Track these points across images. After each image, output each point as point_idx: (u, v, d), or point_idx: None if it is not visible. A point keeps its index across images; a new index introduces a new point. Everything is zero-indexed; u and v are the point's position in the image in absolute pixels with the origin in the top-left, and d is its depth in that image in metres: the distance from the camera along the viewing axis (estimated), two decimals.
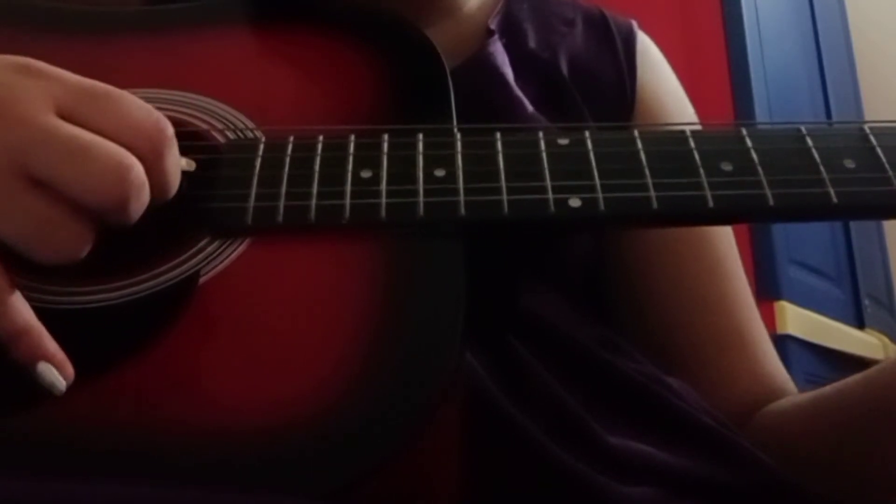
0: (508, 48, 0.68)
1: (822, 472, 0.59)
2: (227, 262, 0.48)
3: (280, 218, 0.49)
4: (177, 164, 0.47)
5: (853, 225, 2.04)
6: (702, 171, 0.49)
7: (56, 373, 0.43)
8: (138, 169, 0.44)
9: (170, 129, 0.46)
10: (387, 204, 0.49)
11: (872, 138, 0.50)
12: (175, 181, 0.47)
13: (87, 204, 0.43)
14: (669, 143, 0.51)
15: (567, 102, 0.68)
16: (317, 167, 0.51)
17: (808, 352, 1.70)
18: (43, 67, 0.46)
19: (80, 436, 0.43)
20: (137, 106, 0.46)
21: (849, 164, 0.49)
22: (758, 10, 1.89)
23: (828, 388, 0.63)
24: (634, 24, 0.76)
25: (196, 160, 0.50)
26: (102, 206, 0.43)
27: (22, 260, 0.44)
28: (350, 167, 0.50)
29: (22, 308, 0.44)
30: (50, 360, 0.43)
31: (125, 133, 0.45)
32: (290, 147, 0.52)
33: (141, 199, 0.44)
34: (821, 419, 0.62)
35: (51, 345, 0.43)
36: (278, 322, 0.47)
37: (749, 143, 0.50)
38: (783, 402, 0.66)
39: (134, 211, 0.44)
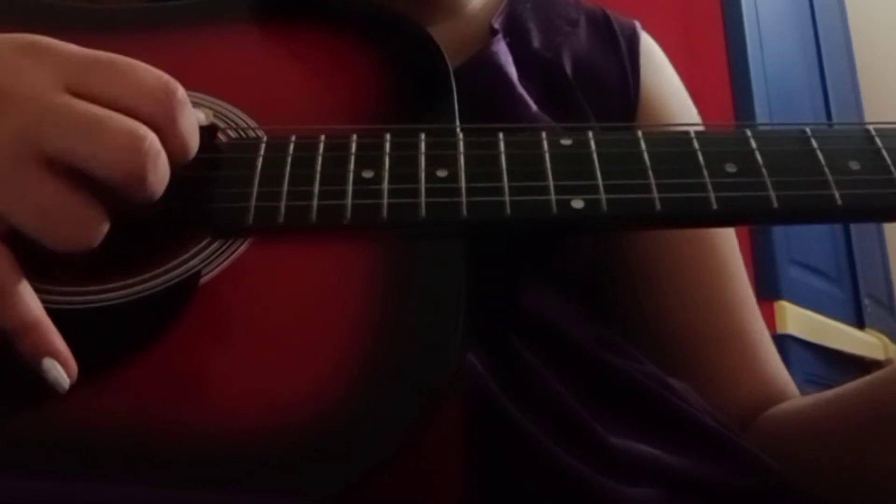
0: (512, 48, 0.68)
1: (825, 477, 0.59)
2: (227, 262, 0.48)
3: (281, 218, 0.49)
4: (192, 123, 0.46)
5: (853, 225, 2.04)
6: (705, 172, 0.49)
7: (61, 369, 0.43)
8: (152, 138, 0.44)
9: (180, 90, 0.46)
10: (388, 204, 0.49)
11: (878, 140, 0.50)
12: (193, 141, 0.47)
13: (103, 178, 0.43)
14: (673, 144, 0.51)
15: (570, 102, 0.68)
16: (318, 167, 0.50)
17: (808, 352, 1.71)
18: (47, 44, 0.46)
19: (80, 436, 0.42)
20: (145, 71, 0.46)
21: (854, 165, 0.49)
22: (758, 10, 1.89)
23: (830, 394, 0.63)
24: (637, 24, 0.76)
25: (197, 160, 0.50)
26: (119, 179, 0.43)
27: (25, 259, 0.44)
28: (352, 167, 0.50)
29: (31, 302, 0.43)
30: (56, 356, 0.43)
31: (136, 100, 0.44)
32: (291, 146, 0.51)
33: (158, 169, 0.44)
34: (823, 425, 0.62)
35: (58, 341, 0.43)
36: (279, 323, 0.46)
37: (753, 144, 0.50)
38: (785, 407, 0.66)
39: (153, 184, 0.44)
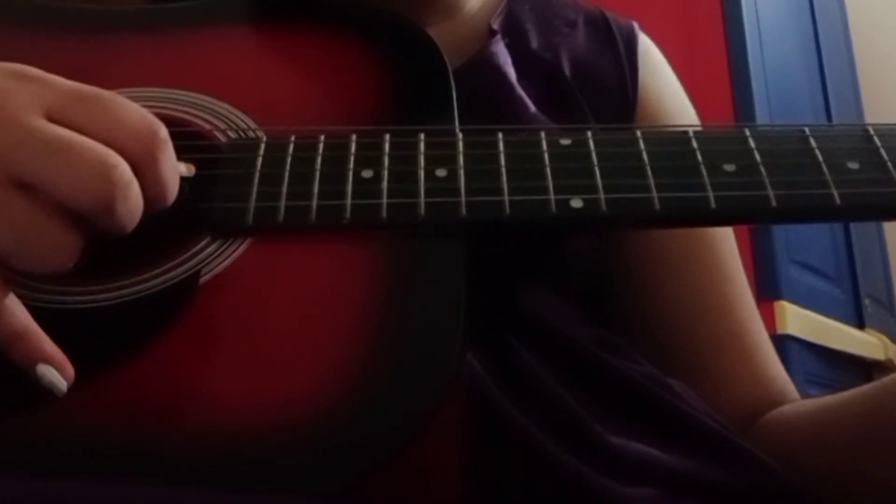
0: (511, 48, 0.68)
1: (828, 483, 0.59)
2: (227, 262, 0.48)
3: (281, 218, 0.49)
4: (173, 167, 0.46)
5: (853, 225, 2.05)
6: (704, 171, 0.49)
7: (56, 374, 0.43)
8: (124, 168, 0.43)
9: (164, 132, 0.45)
10: (388, 204, 0.49)
11: (876, 139, 0.50)
12: (172, 185, 0.46)
13: (71, 205, 0.42)
14: (672, 144, 0.51)
15: (569, 103, 0.68)
16: (318, 167, 0.50)
17: (808, 352, 1.71)
18: (36, 73, 0.45)
19: (80, 436, 0.42)
20: (130, 109, 0.45)
21: (852, 165, 0.49)
22: (758, 10, 1.89)
23: (832, 400, 0.63)
24: (636, 25, 0.76)
25: (197, 160, 0.50)
26: (87, 206, 0.42)
27: None
28: (351, 167, 0.50)
29: (17, 311, 0.43)
30: (49, 361, 0.43)
31: (117, 136, 0.44)
32: (291, 147, 0.52)
33: (129, 200, 0.43)
34: (827, 434, 0.62)
35: (49, 346, 0.43)
36: (279, 322, 0.46)
37: (752, 143, 0.50)
38: (787, 412, 0.66)
39: (123, 214, 0.43)
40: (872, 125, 0.51)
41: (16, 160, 0.42)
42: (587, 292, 0.67)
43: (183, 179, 0.47)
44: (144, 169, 0.44)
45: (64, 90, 0.45)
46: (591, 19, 0.75)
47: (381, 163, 0.50)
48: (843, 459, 0.60)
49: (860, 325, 2.03)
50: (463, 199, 0.49)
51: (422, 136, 0.52)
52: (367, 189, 0.49)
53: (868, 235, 2.25)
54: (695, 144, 0.50)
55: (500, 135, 0.52)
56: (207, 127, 0.54)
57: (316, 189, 0.49)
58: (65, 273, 0.44)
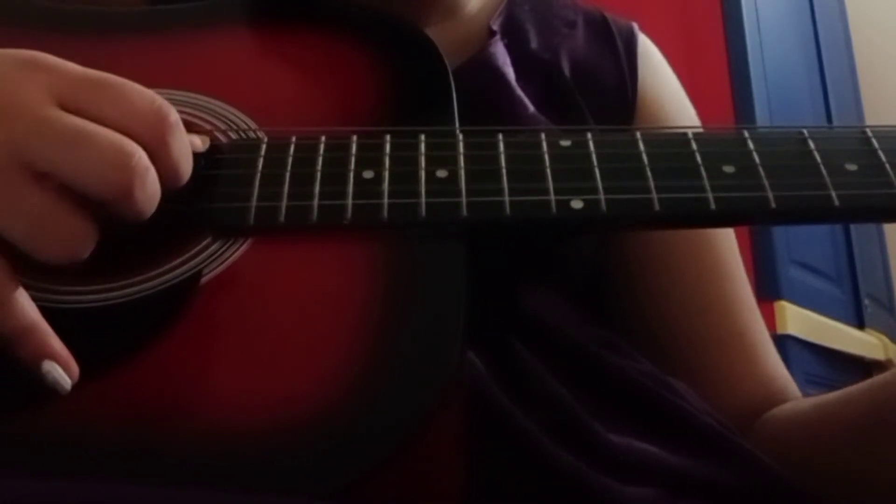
0: (510, 49, 0.69)
1: (828, 481, 0.59)
2: (229, 261, 0.48)
3: (282, 218, 0.49)
4: (185, 147, 0.46)
5: (853, 225, 2.05)
6: (704, 173, 0.49)
7: (61, 371, 0.43)
8: (140, 155, 0.43)
9: (173, 114, 0.45)
10: (389, 204, 0.49)
11: (874, 141, 0.50)
12: (186, 165, 0.46)
13: (90, 193, 0.43)
14: (671, 145, 0.51)
15: (568, 103, 0.68)
16: (319, 167, 0.51)
17: (808, 352, 1.71)
18: (45, 60, 0.45)
19: (81, 435, 0.43)
20: (139, 93, 0.45)
21: (850, 166, 0.49)
22: (758, 10, 1.89)
23: (831, 397, 0.63)
24: (635, 25, 0.76)
25: (199, 160, 0.50)
26: (106, 194, 0.43)
27: (26, 259, 0.44)
28: (352, 167, 0.50)
29: (27, 306, 0.43)
30: (55, 358, 0.43)
31: (127, 120, 0.44)
32: (292, 147, 0.52)
33: (147, 186, 0.44)
34: (825, 430, 0.62)
35: (56, 343, 0.43)
36: (280, 322, 0.47)
37: (751, 145, 0.50)
38: (786, 410, 0.66)
39: (142, 200, 0.43)
40: (871, 127, 0.51)
41: (31, 150, 0.42)
42: (588, 292, 0.67)
43: (197, 154, 0.48)
44: (156, 151, 0.45)
45: (73, 76, 0.45)
46: (590, 20, 0.75)
47: (381, 164, 0.51)
48: (842, 456, 0.60)
49: (860, 325, 2.03)
50: (464, 199, 0.49)
51: (422, 136, 0.52)
52: (368, 190, 0.50)
53: (868, 236, 2.25)
54: (694, 146, 0.51)
55: (501, 136, 0.52)
56: (208, 128, 0.54)
57: (317, 189, 0.50)
58: (77, 265, 0.44)
